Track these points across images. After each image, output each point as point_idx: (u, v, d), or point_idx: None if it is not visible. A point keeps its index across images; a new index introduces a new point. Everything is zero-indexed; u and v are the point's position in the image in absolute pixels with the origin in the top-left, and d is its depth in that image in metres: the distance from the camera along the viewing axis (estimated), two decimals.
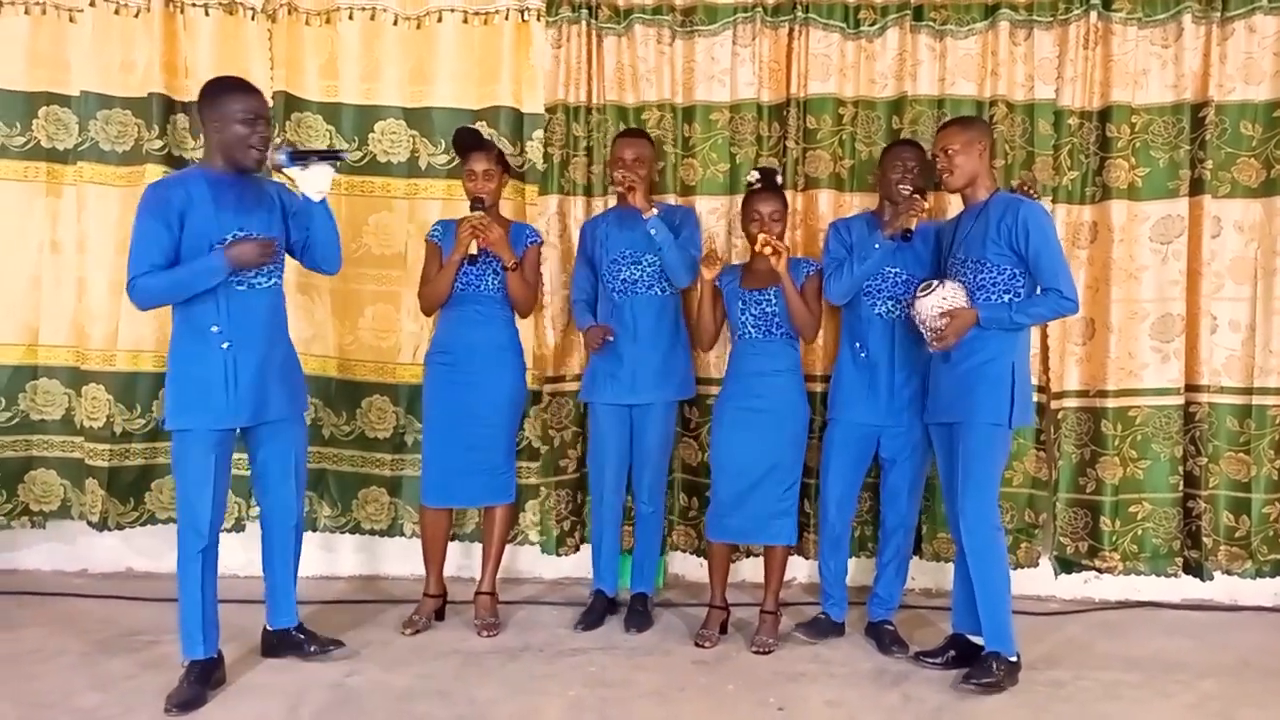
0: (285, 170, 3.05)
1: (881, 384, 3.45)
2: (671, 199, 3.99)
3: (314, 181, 3.06)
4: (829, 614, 3.58)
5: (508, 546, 3.84)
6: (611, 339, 3.59)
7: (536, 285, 3.75)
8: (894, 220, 3.35)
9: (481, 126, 3.97)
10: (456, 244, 3.51)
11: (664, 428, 3.70)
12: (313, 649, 3.28)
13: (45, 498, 4.12)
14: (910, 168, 3.44)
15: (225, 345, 2.97)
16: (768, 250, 3.40)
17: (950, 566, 3.63)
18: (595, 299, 3.75)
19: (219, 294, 2.96)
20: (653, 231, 3.52)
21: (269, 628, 3.31)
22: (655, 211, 3.55)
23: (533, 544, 4.11)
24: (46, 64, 4.04)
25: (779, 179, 3.69)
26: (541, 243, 3.77)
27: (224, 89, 3.02)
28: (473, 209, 3.53)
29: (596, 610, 3.72)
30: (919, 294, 3.20)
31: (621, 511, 3.79)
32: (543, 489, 4.04)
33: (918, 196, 3.32)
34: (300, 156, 3.06)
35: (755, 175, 3.64)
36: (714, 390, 3.83)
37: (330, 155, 3.15)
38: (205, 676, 3.02)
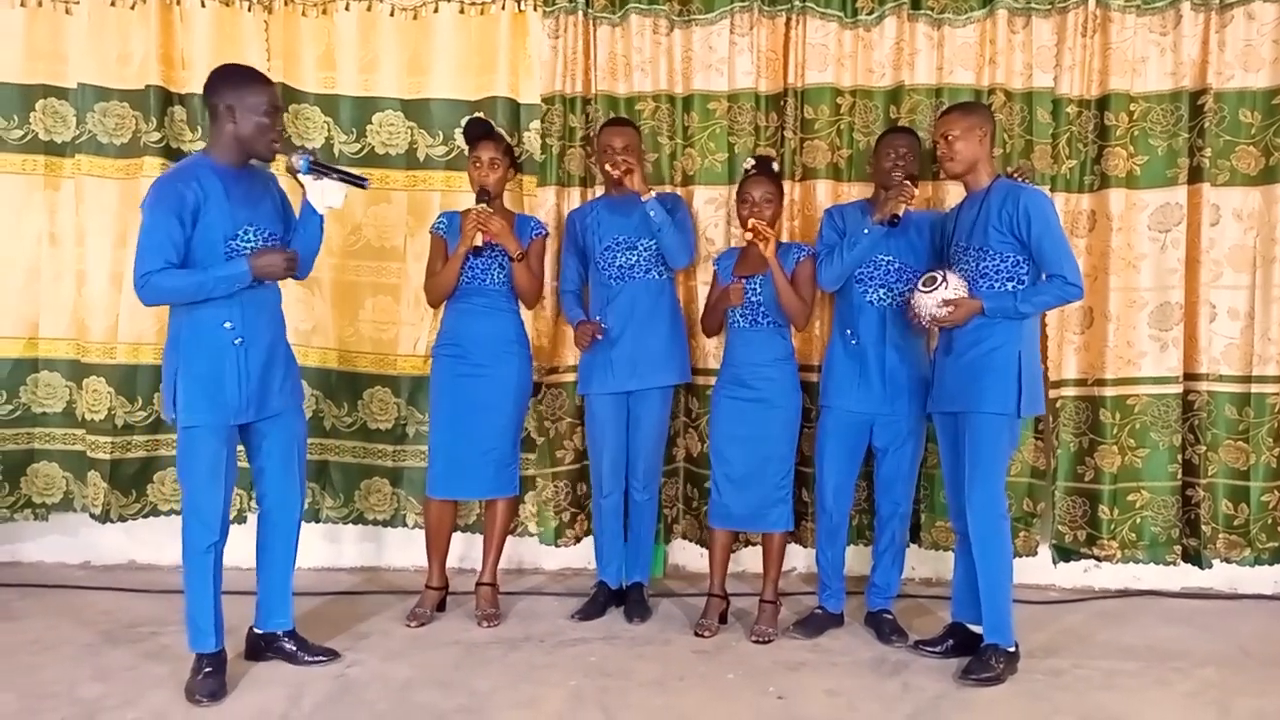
0: (300, 176, 3.03)
1: (873, 372, 3.44)
2: (669, 189, 3.98)
3: (328, 195, 3.05)
4: (825, 606, 3.58)
5: (509, 538, 3.84)
6: (601, 337, 3.59)
7: (542, 276, 3.74)
8: (883, 206, 3.34)
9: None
10: (461, 237, 3.51)
11: (660, 414, 3.70)
12: (305, 658, 3.21)
13: (47, 490, 4.13)
14: (903, 155, 3.44)
15: (238, 341, 2.94)
16: (749, 236, 3.42)
17: (949, 555, 3.64)
18: (582, 289, 3.75)
19: (238, 291, 2.93)
20: (652, 213, 3.51)
21: (256, 630, 3.23)
22: (654, 193, 3.54)
23: (531, 535, 4.12)
24: (43, 56, 4.03)
25: (775, 167, 3.70)
26: (546, 234, 3.76)
27: (246, 79, 2.95)
28: (478, 200, 3.53)
29: (598, 602, 3.72)
30: (921, 288, 3.19)
31: (623, 502, 3.78)
32: (539, 480, 4.04)
33: (907, 183, 3.31)
34: (320, 168, 3.03)
35: (751, 162, 3.65)
36: (713, 380, 3.82)
37: (353, 180, 3.10)
38: (222, 667, 3.01)
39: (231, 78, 2.95)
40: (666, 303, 3.70)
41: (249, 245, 2.95)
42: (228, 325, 2.93)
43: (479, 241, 3.47)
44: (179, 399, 2.92)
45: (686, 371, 3.78)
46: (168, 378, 2.98)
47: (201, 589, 2.96)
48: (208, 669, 2.97)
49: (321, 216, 3.12)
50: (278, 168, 3.24)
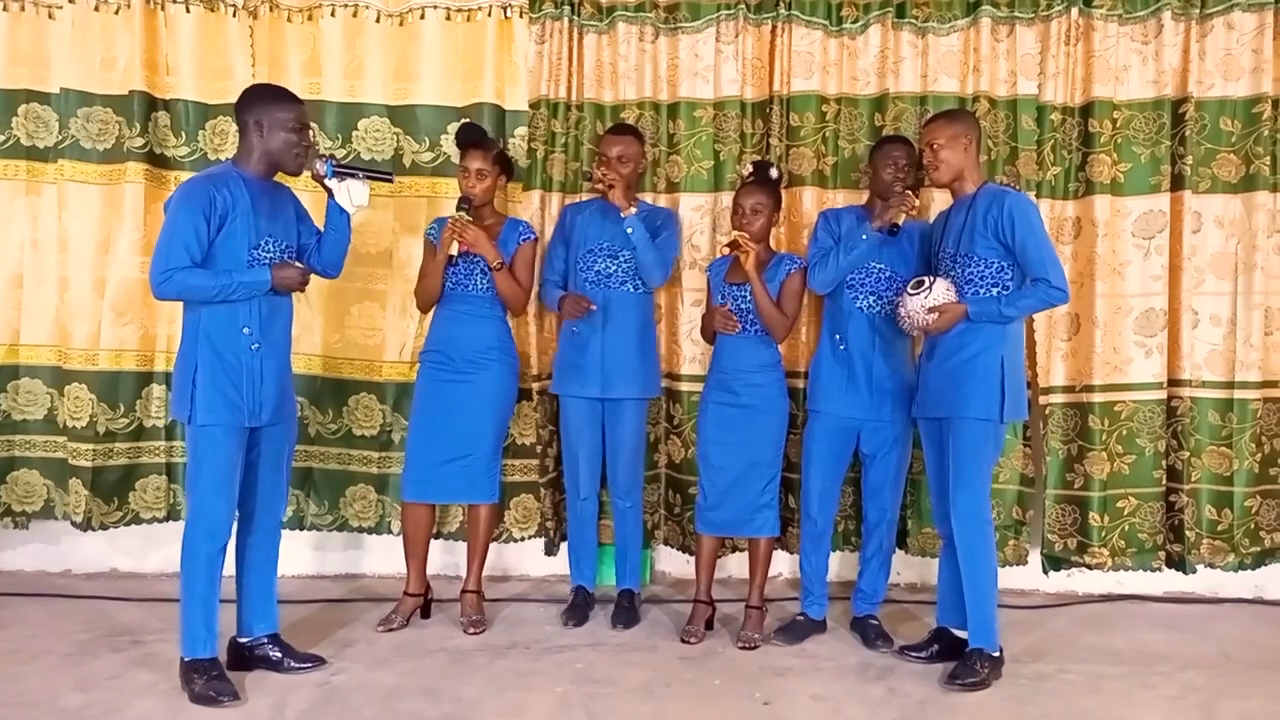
0: (326, 181, 3.21)
1: (860, 378, 3.46)
2: (653, 197, 3.98)
3: (355, 195, 3.24)
4: (808, 613, 3.57)
5: (494, 545, 3.83)
6: (593, 308, 3.58)
7: (528, 283, 3.73)
8: (884, 213, 3.36)
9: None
10: (440, 244, 3.53)
11: (635, 424, 3.70)
12: (291, 665, 3.19)
13: (28, 498, 4.09)
14: (902, 165, 3.47)
15: (255, 347, 3.02)
16: (728, 250, 3.47)
17: (935, 560, 3.64)
18: (565, 284, 3.75)
19: (254, 297, 3.03)
20: (629, 230, 3.53)
21: (240, 639, 3.20)
22: (634, 210, 3.55)
23: (516, 540, 4.10)
24: (26, 61, 4.00)
25: (773, 173, 3.68)
26: (535, 239, 3.76)
27: (275, 96, 3.10)
28: (458, 207, 3.54)
29: (580, 606, 3.72)
30: (910, 290, 3.21)
31: (597, 506, 3.80)
32: (541, 489, 4.01)
33: (909, 193, 3.34)
34: (342, 169, 3.24)
35: (749, 168, 3.67)
36: (696, 387, 3.85)
37: (377, 174, 3.37)
38: (221, 670, 3.01)
39: (261, 95, 3.10)
40: (639, 316, 3.69)
41: (268, 256, 3.05)
42: (246, 331, 3.01)
43: (455, 250, 3.48)
44: (197, 398, 2.96)
45: (655, 386, 3.78)
46: (184, 376, 3.00)
47: (199, 593, 2.97)
48: (213, 673, 2.98)
49: (349, 216, 3.26)
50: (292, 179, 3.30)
